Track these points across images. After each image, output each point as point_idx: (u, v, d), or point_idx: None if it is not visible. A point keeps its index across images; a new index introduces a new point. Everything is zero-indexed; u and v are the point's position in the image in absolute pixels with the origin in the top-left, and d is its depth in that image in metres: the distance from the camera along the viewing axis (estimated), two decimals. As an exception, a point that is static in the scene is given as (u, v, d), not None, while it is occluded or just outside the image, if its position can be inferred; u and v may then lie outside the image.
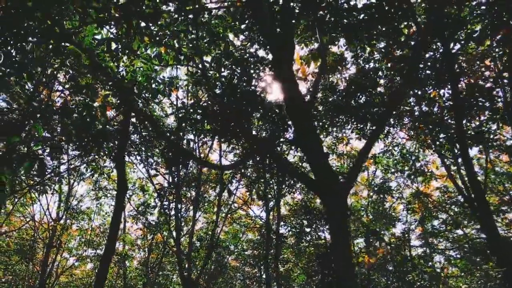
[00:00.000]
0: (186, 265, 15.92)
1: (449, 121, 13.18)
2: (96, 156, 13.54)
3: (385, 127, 12.30)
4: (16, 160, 7.69)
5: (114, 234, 10.14)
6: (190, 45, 8.72)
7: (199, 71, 10.64)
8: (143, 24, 7.88)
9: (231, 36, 10.70)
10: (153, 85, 8.91)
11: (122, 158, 10.80)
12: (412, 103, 13.39)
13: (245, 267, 26.01)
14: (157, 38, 8.10)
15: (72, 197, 20.46)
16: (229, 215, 20.95)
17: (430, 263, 24.96)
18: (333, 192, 5.69)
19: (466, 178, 13.40)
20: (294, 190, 18.86)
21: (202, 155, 17.24)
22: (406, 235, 24.99)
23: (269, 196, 19.09)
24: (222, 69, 10.81)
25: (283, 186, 18.60)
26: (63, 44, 9.34)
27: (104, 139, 11.54)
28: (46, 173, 15.96)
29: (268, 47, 10.81)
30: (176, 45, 8.47)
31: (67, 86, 10.12)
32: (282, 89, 6.74)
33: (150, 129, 12.48)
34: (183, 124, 10.34)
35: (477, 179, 10.67)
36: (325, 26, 8.35)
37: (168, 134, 11.57)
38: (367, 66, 12.97)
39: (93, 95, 8.85)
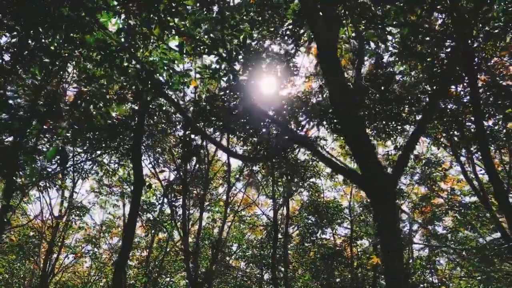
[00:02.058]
0: (191, 264, 15.61)
1: (465, 118, 12.96)
2: (104, 152, 13.19)
3: (428, 122, 11.96)
4: (26, 152, 7.40)
5: (131, 233, 9.74)
6: (211, 35, 8.43)
7: (213, 64, 10.37)
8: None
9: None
10: (169, 77, 8.62)
11: (139, 153, 10.46)
12: (427, 100, 13.12)
13: (247, 268, 25.69)
14: (177, 28, 7.81)
15: (76, 194, 20.10)
16: (234, 214, 20.61)
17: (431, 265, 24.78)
18: (380, 185, 5.41)
19: (482, 178, 13.22)
20: (303, 189, 18.58)
21: (210, 152, 16.94)
22: (408, 237, 24.78)
23: (277, 194, 18.82)
24: (236, 63, 10.53)
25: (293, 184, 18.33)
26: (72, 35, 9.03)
27: (114, 134, 11.22)
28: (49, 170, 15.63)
29: (289, 38, 10.52)
30: (197, 35, 8.18)
31: (79, 77, 9.77)
32: (327, 76, 6.45)
33: (174, 113, 12.05)
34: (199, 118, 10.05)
35: (499, 178, 10.40)
36: (348, 17, 8.08)
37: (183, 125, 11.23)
38: (382, 60, 12.68)
39: (108, 85, 8.54)
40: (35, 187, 15.84)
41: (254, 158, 9.96)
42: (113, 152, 12.76)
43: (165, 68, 8.40)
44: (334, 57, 6.47)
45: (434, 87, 9.50)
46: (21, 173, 6.75)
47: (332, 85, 6.26)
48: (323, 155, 7.08)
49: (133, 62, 8.01)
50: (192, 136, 11.29)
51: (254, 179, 16.15)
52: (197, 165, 15.51)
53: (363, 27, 8.45)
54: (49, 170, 14.99)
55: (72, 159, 14.90)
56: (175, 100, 8.84)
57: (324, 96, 16.27)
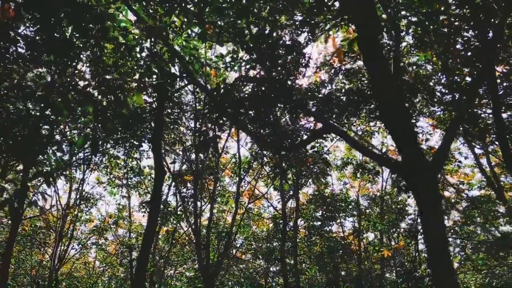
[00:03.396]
0: (203, 255, 15.57)
1: (479, 110, 12.84)
2: (116, 144, 13.10)
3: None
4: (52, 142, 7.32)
5: (153, 223, 9.60)
6: (233, 24, 8.30)
7: (230, 53, 10.23)
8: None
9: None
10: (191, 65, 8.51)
11: (159, 143, 10.34)
12: (442, 90, 13.00)
13: (254, 261, 25.70)
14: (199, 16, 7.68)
15: (87, 185, 20.10)
16: (243, 207, 20.55)
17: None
18: (423, 175, 5.31)
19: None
20: (311, 181, 18.50)
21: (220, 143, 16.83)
22: (414, 230, 24.74)
23: (286, 186, 18.75)
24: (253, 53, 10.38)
25: (301, 177, 18.25)
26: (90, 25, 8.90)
27: (128, 125, 11.10)
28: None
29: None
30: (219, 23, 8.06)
31: (94, 67, 9.66)
32: (367, 59, 6.31)
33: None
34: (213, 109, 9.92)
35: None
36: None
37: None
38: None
39: (125, 75, 8.44)
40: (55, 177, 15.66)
41: (286, 146, 9.83)
42: (127, 144, 12.67)
43: (188, 56, 8.29)
44: (375, 40, 6.32)
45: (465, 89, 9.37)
46: (46, 162, 6.68)
47: (373, 69, 6.13)
48: (357, 142, 6.97)
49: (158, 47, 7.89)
50: (209, 125, 11.21)
51: (281, 167, 15.96)
52: (214, 155, 15.43)
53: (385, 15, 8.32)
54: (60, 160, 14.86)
55: (82, 150, 14.82)
56: (203, 85, 8.68)
57: (333, 86, 16.15)
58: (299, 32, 11.84)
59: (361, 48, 6.57)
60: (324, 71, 16.69)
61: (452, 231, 20.79)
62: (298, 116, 13.98)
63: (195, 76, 8.43)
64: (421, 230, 24.78)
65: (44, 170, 6.10)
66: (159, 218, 19.74)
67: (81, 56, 11.69)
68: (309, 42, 12.33)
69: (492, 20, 9.51)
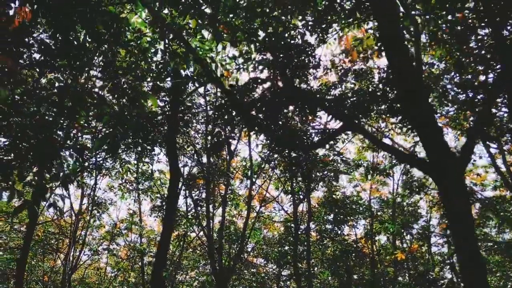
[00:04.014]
0: (216, 259, 15.51)
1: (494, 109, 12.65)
2: (128, 149, 13.11)
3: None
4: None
5: (169, 227, 9.54)
6: (247, 24, 8.28)
7: (242, 54, 10.20)
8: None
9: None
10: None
11: (174, 145, 10.34)
12: (456, 89, 12.85)
13: (266, 265, 25.57)
14: (212, 17, 7.66)
15: (98, 190, 20.13)
16: (254, 210, 20.47)
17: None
18: (449, 172, 5.20)
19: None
20: (322, 184, 18.37)
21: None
22: (427, 232, 24.48)
23: (297, 189, 18.63)
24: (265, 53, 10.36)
25: (311, 181, 18.12)
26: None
27: (140, 130, 11.09)
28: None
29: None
30: (234, 23, 8.04)
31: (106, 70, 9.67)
32: (389, 54, 6.23)
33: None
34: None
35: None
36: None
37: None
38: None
39: (138, 77, 8.42)
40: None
41: (302, 146, 9.76)
42: (139, 148, 12.66)
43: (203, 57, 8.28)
44: (399, 33, 6.23)
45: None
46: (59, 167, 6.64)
47: (395, 64, 6.05)
48: (377, 139, 6.89)
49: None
50: (222, 127, 11.17)
51: (293, 170, 15.85)
52: (226, 158, 15.41)
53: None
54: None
55: (94, 156, 14.85)
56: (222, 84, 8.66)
57: (343, 87, 16.07)
58: (311, 33, 11.79)
59: (383, 41, 6.48)
60: (334, 73, 16.63)
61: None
62: (308, 118, 13.94)
63: (213, 76, 8.42)
64: (434, 232, 24.61)
65: (60, 174, 6.06)
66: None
67: (93, 61, 11.76)
68: (320, 44, 12.29)
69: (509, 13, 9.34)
